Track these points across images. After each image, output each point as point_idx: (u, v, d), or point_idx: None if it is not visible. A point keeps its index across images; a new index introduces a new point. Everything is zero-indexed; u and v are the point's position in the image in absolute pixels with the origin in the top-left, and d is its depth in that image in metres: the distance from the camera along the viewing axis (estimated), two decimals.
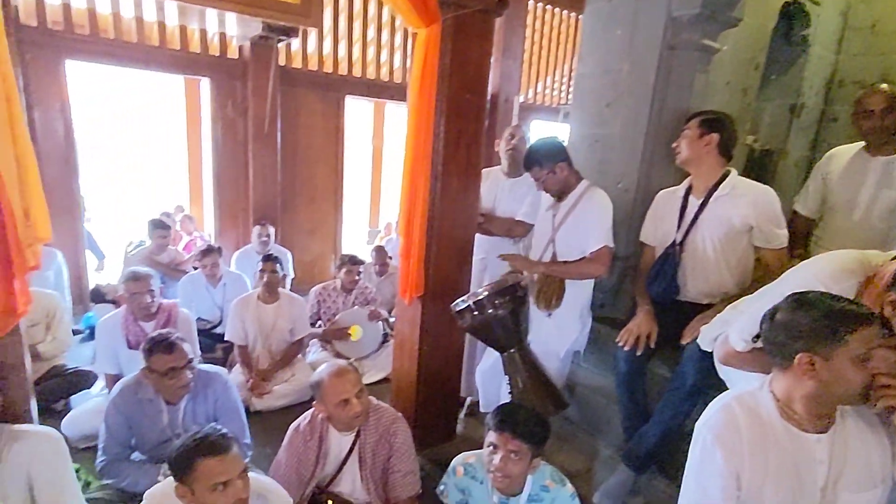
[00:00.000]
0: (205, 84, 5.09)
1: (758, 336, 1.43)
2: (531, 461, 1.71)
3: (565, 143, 2.56)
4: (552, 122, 7.26)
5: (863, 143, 2.43)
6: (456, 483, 1.87)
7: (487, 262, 3.08)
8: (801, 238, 2.61)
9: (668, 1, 2.50)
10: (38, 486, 1.67)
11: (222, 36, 4.85)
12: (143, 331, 3.00)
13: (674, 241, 2.29)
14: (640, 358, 2.19)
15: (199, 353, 3.26)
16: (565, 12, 6.92)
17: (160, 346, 2.16)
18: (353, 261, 4.08)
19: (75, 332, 4.13)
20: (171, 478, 1.52)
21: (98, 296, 4.55)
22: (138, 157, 11.98)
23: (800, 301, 1.23)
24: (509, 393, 2.41)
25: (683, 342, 2.10)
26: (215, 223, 5.47)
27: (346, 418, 1.97)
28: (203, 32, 4.73)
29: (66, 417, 2.84)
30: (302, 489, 2.03)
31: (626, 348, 2.18)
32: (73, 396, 3.21)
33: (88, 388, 3.24)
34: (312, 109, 5.46)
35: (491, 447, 1.71)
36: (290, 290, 4.94)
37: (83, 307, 4.67)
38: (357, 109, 6.82)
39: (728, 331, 1.65)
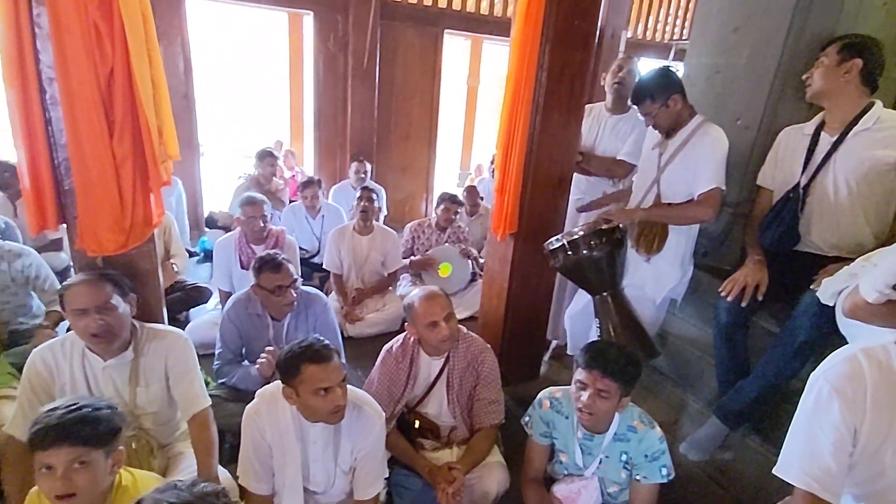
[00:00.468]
0: (308, 19, 5.17)
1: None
2: (620, 401, 1.67)
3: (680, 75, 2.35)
4: (662, 60, 6.71)
5: None
6: (541, 415, 1.88)
7: (584, 202, 2.97)
8: None
9: None
10: (173, 377, 1.90)
11: None
12: (254, 252, 3.24)
13: (797, 184, 2.07)
14: (744, 310, 2.03)
15: (299, 276, 3.49)
16: None
17: (268, 265, 2.33)
18: (453, 200, 4.12)
19: (191, 255, 4.58)
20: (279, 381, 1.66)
21: (212, 222, 4.96)
22: (243, 94, 12.55)
23: None
24: (598, 336, 2.37)
25: (813, 287, 1.90)
26: (315, 158, 5.69)
27: (435, 341, 2.03)
28: None
29: (186, 327, 3.19)
30: (392, 407, 2.15)
31: (728, 299, 2.03)
32: (192, 310, 3.59)
33: (205, 302, 3.61)
34: (410, 45, 5.41)
35: (579, 384, 1.69)
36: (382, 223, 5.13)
37: (198, 232, 5.12)
38: (454, 48, 6.68)
39: (858, 282, 1.48)
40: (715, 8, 2.63)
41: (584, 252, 2.23)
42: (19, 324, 2.71)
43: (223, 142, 11.35)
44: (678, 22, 6.82)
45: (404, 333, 2.19)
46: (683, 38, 6.66)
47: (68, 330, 1.85)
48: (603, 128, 2.90)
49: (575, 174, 2.77)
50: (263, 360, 2.27)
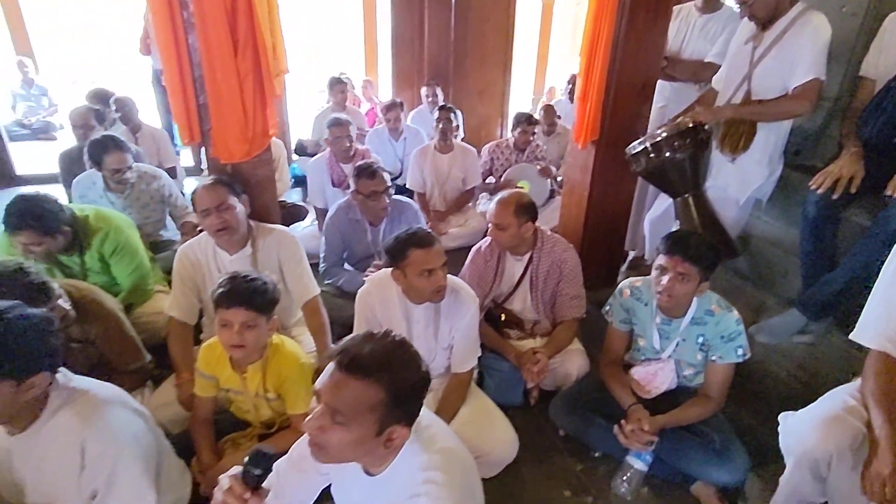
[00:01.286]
0: None
1: None
2: (699, 285, 1.76)
3: None
4: None
5: None
6: (622, 303, 2.02)
7: (667, 110, 2.94)
8: None
9: None
10: (285, 269, 2.21)
11: None
12: (343, 171, 3.51)
13: None
14: (835, 203, 2.01)
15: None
16: None
17: (365, 172, 2.57)
18: (530, 120, 4.14)
19: None
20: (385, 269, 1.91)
21: (301, 149, 5.28)
22: (318, 26, 12.58)
23: None
24: None
25: (888, 192, 1.88)
26: (392, 85, 5.81)
27: (495, 240, 2.23)
28: None
29: None
30: (481, 301, 2.37)
31: (819, 192, 2.01)
32: (291, 226, 3.95)
33: (302, 220, 3.96)
34: None
35: (659, 269, 1.79)
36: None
37: (288, 159, 5.47)
38: None
39: None
40: None
41: (668, 154, 2.26)
42: (159, 236, 3.16)
43: (303, 73, 11.58)
44: None
45: None
46: None
47: None
48: (691, 29, 2.80)
49: (659, 81, 2.74)
50: (372, 272, 2.55)
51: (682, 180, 2.34)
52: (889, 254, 1.88)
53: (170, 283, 2.67)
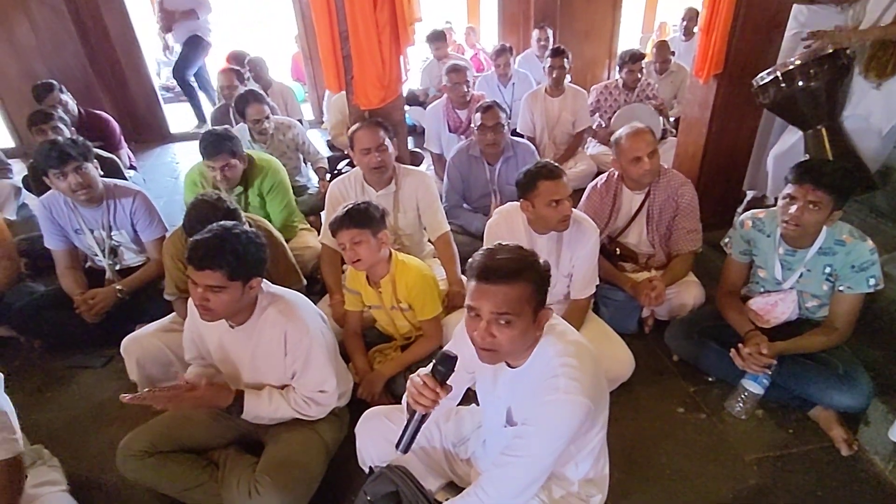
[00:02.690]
0: None
1: None
2: (831, 213, 1.72)
3: None
4: None
5: None
6: (742, 234, 2.03)
7: (802, 36, 2.76)
8: None
9: None
10: (422, 206, 2.46)
11: None
12: (459, 117, 3.69)
13: None
14: None
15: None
16: None
17: (489, 108, 2.75)
18: (634, 58, 4.02)
19: None
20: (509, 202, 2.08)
21: (412, 98, 5.51)
22: None
23: None
24: None
25: None
26: (498, 29, 5.81)
27: (636, 175, 2.27)
28: None
29: None
30: None
31: None
32: None
33: (418, 165, 4.21)
34: None
35: (787, 198, 1.77)
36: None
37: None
38: None
39: None
40: None
41: (801, 83, 2.18)
42: (296, 182, 3.56)
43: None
44: None
45: (609, 171, 2.45)
46: None
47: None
48: None
49: (794, 4, 2.58)
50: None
51: (815, 111, 2.25)
52: None
53: (310, 223, 3.08)
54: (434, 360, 1.25)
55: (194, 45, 5.45)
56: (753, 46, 2.54)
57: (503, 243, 1.26)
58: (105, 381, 2.35)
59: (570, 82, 5.34)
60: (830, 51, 2.11)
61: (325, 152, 4.81)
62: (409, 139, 5.33)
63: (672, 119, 4.37)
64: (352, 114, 2.49)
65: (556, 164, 1.97)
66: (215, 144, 2.43)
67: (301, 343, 1.59)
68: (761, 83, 2.31)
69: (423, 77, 5.48)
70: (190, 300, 1.58)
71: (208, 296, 1.48)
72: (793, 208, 1.76)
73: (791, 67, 2.17)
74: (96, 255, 2.50)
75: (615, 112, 4.14)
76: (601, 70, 6.15)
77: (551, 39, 5.11)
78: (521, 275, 1.17)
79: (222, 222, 1.55)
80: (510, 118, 4.59)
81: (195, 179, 2.73)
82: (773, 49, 2.61)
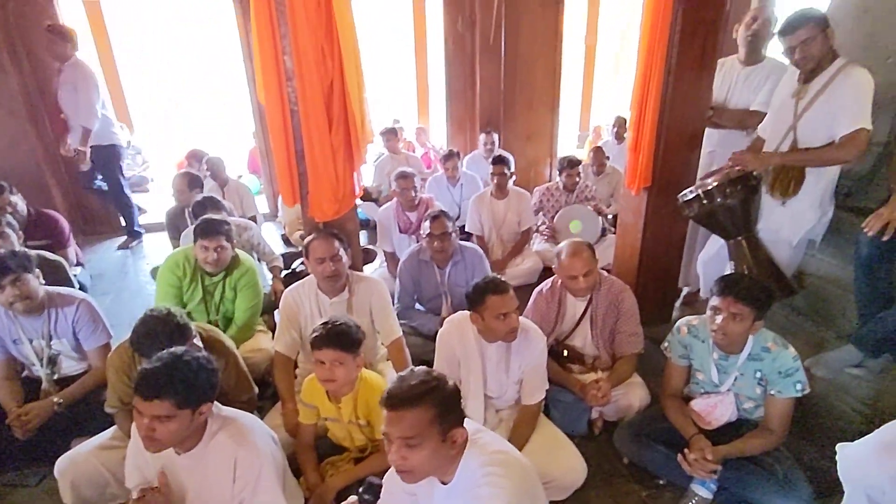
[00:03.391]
0: (434, 3, 5.60)
1: None
2: (753, 324, 1.88)
3: None
4: None
5: None
6: (679, 340, 2.16)
7: (715, 155, 3.11)
8: None
9: None
10: (375, 312, 2.49)
11: None
12: (409, 219, 3.83)
13: None
14: (887, 243, 2.09)
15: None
16: None
17: (437, 217, 2.87)
18: (571, 164, 4.35)
19: None
20: (460, 311, 2.15)
21: (366, 196, 5.67)
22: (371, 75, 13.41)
23: None
24: None
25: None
26: (446, 132, 6.18)
27: (573, 291, 2.43)
28: None
29: None
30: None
31: (869, 234, 2.09)
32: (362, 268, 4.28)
33: (372, 262, 4.28)
34: (533, 16, 5.59)
35: (713, 310, 1.92)
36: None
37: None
38: (571, 8, 6.72)
39: None
40: None
41: (719, 200, 2.41)
42: None
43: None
44: None
45: (553, 277, 2.58)
46: None
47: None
48: (735, 80, 2.98)
49: (707, 128, 2.92)
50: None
51: (734, 224, 2.48)
52: None
53: (263, 321, 3.04)
54: (360, 489, 1.32)
55: (104, 156, 4.71)
56: (676, 163, 2.82)
57: (414, 369, 1.36)
58: (39, 500, 2.18)
59: (514, 184, 5.73)
60: (741, 173, 2.37)
61: (280, 247, 4.83)
62: (363, 233, 5.48)
63: (610, 216, 4.68)
64: (306, 224, 2.55)
65: (505, 280, 2.06)
66: (215, 227, 2.60)
67: (252, 468, 1.54)
68: (685, 199, 2.54)
69: (376, 173, 5.69)
70: (134, 426, 1.52)
71: (155, 426, 1.43)
72: (718, 319, 1.90)
73: (710, 187, 2.42)
74: (34, 365, 2.38)
75: (557, 212, 4.41)
76: (543, 167, 6.57)
77: (496, 143, 5.47)
78: (423, 400, 1.27)
79: (173, 349, 1.53)
80: (459, 217, 4.83)
81: (178, 261, 2.74)
82: (693, 165, 2.90)
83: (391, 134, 5.54)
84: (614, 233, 4.11)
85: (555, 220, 4.40)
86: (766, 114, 2.80)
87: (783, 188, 2.42)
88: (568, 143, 9.15)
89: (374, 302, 2.48)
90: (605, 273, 2.55)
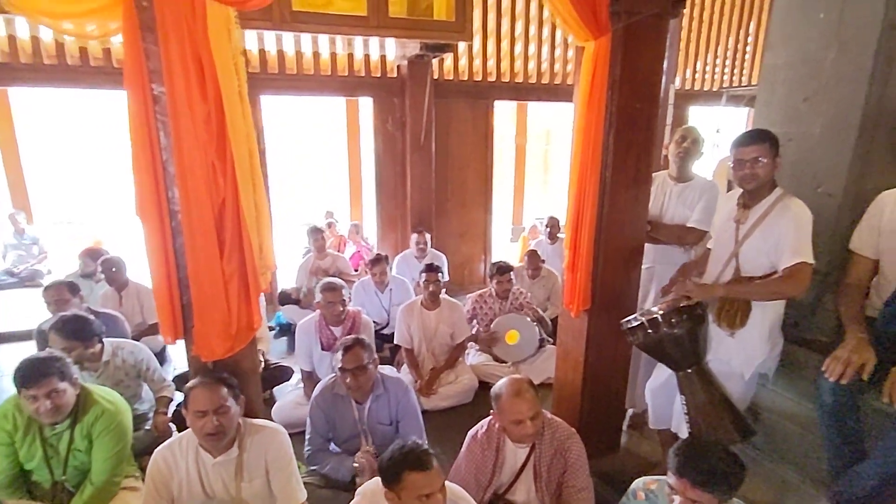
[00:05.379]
0: (366, 103, 5.54)
1: None
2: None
3: None
4: (712, 106, 6.67)
5: None
6: None
7: (655, 271, 2.98)
8: None
9: None
10: (272, 471, 2.01)
11: (382, 58, 5.25)
12: (333, 334, 3.40)
13: None
14: (851, 389, 1.93)
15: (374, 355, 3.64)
16: None
17: (350, 348, 2.46)
18: (502, 270, 4.12)
19: (269, 329, 4.84)
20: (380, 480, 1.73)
21: (285, 298, 5.20)
22: (305, 173, 13.42)
23: None
24: (685, 413, 2.31)
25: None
26: (377, 230, 5.95)
27: (517, 437, 2.07)
28: (366, 57, 5.16)
29: (273, 407, 3.34)
30: (480, 494, 2.16)
31: (831, 379, 1.94)
32: (275, 388, 3.75)
33: (288, 380, 3.76)
34: (463, 117, 5.68)
35: (670, 489, 1.64)
36: (445, 292, 5.25)
37: (273, 307, 5.37)
38: (501, 108, 6.94)
39: None
40: (779, 80, 2.67)
41: (665, 330, 2.21)
42: (133, 410, 2.93)
43: (291, 217, 12.09)
44: (727, 69, 6.81)
45: (489, 419, 2.22)
46: (734, 84, 6.63)
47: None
48: (669, 196, 2.92)
49: (646, 243, 2.79)
50: (361, 462, 2.39)
51: (682, 355, 2.27)
52: None
53: (142, 469, 2.44)
54: None
55: None
56: (616, 282, 2.64)
57: None
58: None
59: (448, 281, 5.49)
60: (688, 301, 2.19)
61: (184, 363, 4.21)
62: (282, 340, 4.95)
63: (549, 322, 4.45)
64: (191, 366, 2.09)
65: (426, 449, 1.67)
66: (39, 368, 2.04)
67: None
68: (629, 327, 2.32)
69: (299, 274, 5.28)
70: None
71: None
72: (676, 502, 1.62)
73: (655, 315, 2.21)
74: None
75: (492, 320, 4.14)
76: (477, 265, 6.43)
77: (429, 242, 5.25)
78: None
79: None
80: (388, 324, 4.45)
81: (6, 413, 2.16)
82: (634, 283, 2.74)
83: (317, 233, 5.20)
84: (553, 343, 3.87)
85: (490, 327, 4.12)
86: (703, 231, 2.73)
87: (730, 320, 2.25)
88: (502, 237, 9.19)
89: (272, 458, 2.01)
90: (549, 415, 2.23)
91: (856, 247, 2.21)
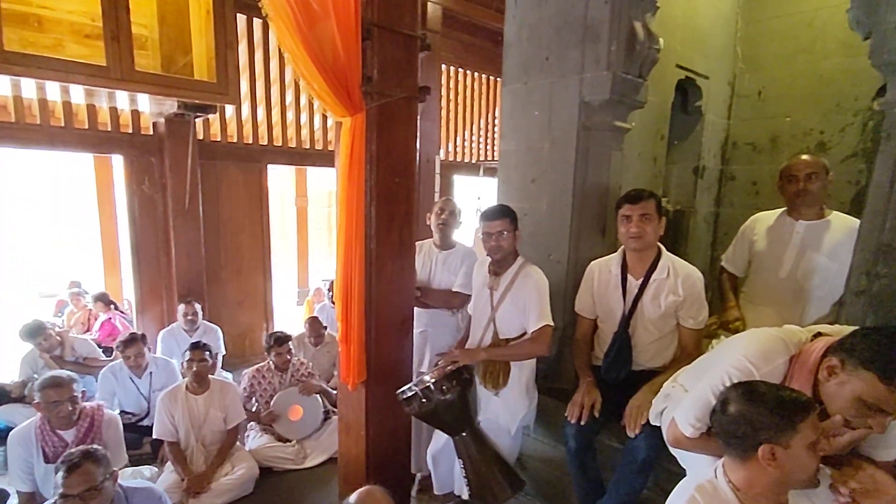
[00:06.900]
0: (117, 160, 4.86)
1: (709, 428, 1.54)
2: None
3: None
4: (472, 177, 7.49)
5: (783, 209, 2.58)
6: None
7: (428, 334, 3.11)
8: (732, 292, 2.75)
9: (579, 87, 2.70)
10: None
11: (134, 113, 4.67)
12: (62, 440, 2.75)
13: (622, 323, 2.38)
14: (589, 433, 2.24)
15: (126, 456, 3.03)
16: (475, 73, 7.30)
17: (77, 466, 2.01)
18: (279, 341, 3.90)
19: None
20: None
21: (4, 395, 4.09)
22: (48, 235, 11.42)
23: (750, 393, 1.34)
24: (464, 477, 2.40)
25: (629, 433, 2.14)
26: (136, 301, 5.15)
27: None
28: (113, 110, 4.53)
29: None
30: None
31: (573, 421, 2.24)
32: None
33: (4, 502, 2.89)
34: (234, 181, 5.35)
35: None
36: (222, 366, 4.72)
37: None
38: (279, 170, 6.76)
39: (673, 412, 1.74)
40: (512, 164, 3.08)
41: (438, 397, 2.29)
42: None
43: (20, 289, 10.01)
44: (481, 143, 7.77)
45: None
46: (488, 158, 7.57)
47: None
48: (434, 263, 3.12)
49: (417, 308, 2.90)
50: None
51: (456, 419, 2.38)
52: (643, 480, 2.11)
53: None
54: None
55: None
56: (390, 350, 2.65)
57: None
58: None
59: (226, 354, 4.98)
60: (456, 367, 2.33)
61: None
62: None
63: (334, 392, 4.30)
64: None
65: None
66: None
67: None
68: (405, 397, 2.36)
69: (23, 367, 4.23)
70: None
71: None
72: None
73: (428, 383, 2.30)
74: None
75: (272, 396, 3.84)
76: (259, 334, 5.98)
77: (199, 313, 4.71)
78: None
79: None
80: (149, 414, 3.78)
81: None
82: (408, 350, 2.78)
83: (44, 332, 4.12)
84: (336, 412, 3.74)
85: (271, 406, 3.80)
86: (467, 295, 2.95)
87: (493, 380, 2.46)
88: (288, 302, 8.81)
89: None
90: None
91: (578, 308, 2.60)
